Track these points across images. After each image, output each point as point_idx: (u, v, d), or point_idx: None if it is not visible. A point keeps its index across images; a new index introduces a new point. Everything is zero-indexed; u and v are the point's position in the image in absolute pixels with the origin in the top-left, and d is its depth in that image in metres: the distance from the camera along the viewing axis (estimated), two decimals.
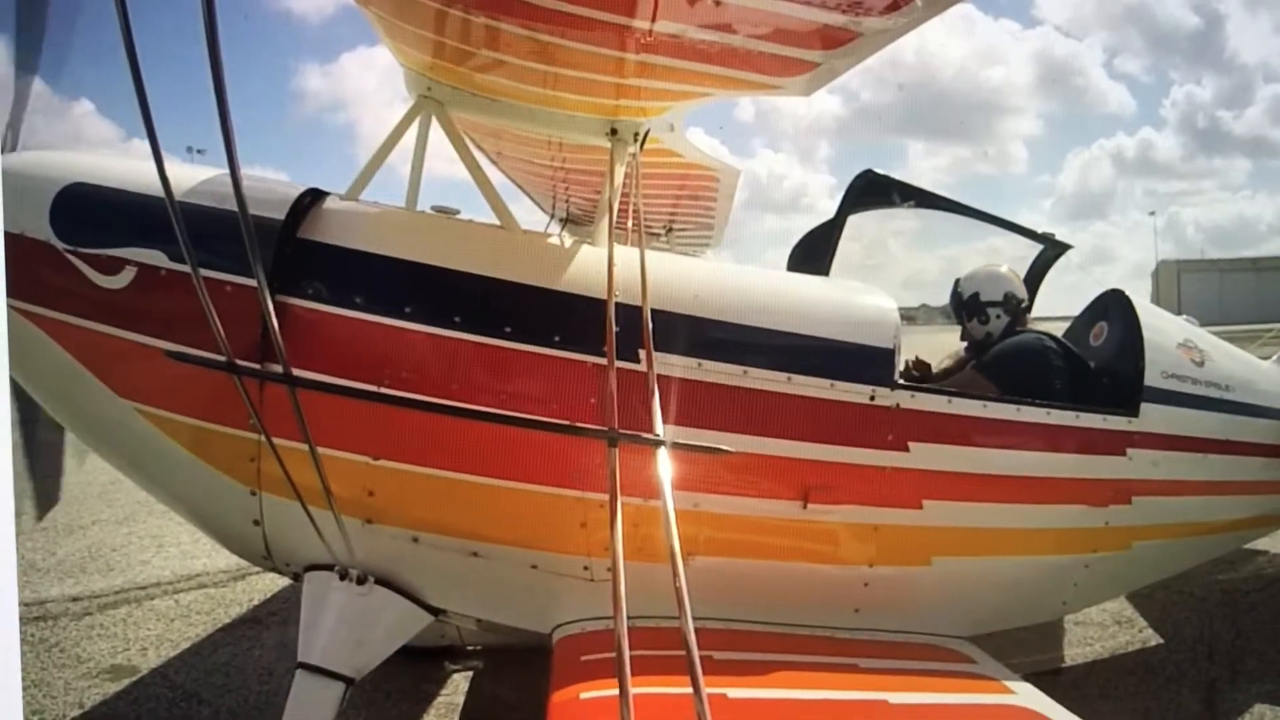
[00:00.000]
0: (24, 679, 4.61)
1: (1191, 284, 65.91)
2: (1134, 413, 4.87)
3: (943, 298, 5.62)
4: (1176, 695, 5.67)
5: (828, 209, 7.74)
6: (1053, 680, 5.57)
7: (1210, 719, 5.40)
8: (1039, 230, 5.99)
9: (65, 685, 5.52)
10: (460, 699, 5.51)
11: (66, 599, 7.10)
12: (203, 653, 6.15)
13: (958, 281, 5.51)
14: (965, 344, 5.62)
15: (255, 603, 7.07)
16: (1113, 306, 5.53)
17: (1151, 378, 4.96)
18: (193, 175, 3.85)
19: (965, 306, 5.42)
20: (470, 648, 5.75)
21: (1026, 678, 3.84)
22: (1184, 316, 6.15)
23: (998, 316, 5.34)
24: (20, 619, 6.07)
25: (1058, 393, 4.85)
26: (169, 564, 8.12)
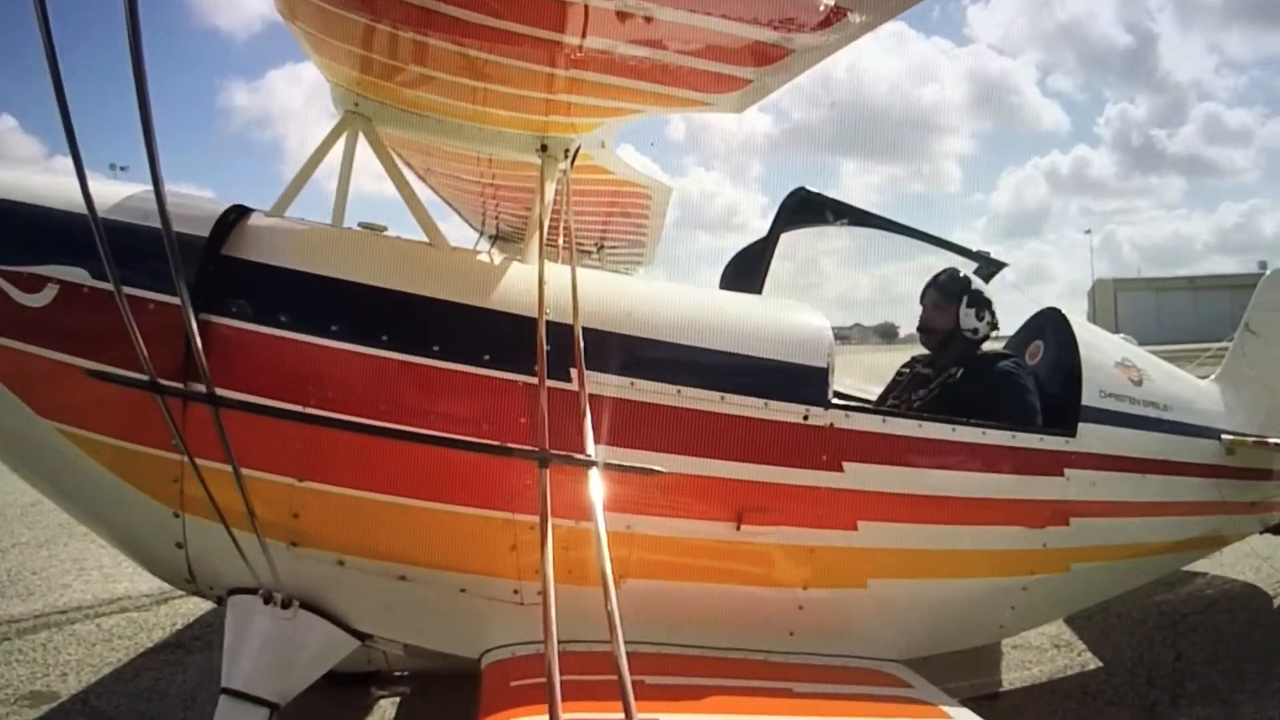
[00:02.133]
0: None
1: (1128, 302, 67.39)
2: (1072, 433, 4.91)
3: (876, 317, 5.65)
4: (1116, 719, 5.71)
5: (760, 227, 7.79)
6: (990, 705, 5.65)
7: None
8: (974, 249, 6.05)
9: None
10: None
11: None
12: (124, 678, 6.05)
13: (953, 270, 5.48)
14: (925, 346, 5.58)
15: (178, 627, 6.98)
16: (1049, 325, 5.60)
17: (1089, 397, 5.00)
18: (116, 192, 3.81)
19: (970, 295, 5.31)
20: (398, 673, 5.70)
21: (964, 703, 3.84)
22: (1121, 335, 6.26)
23: (988, 323, 5.33)
24: None
25: (1034, 415, 4.92)
26: (90, 588, 7.96)
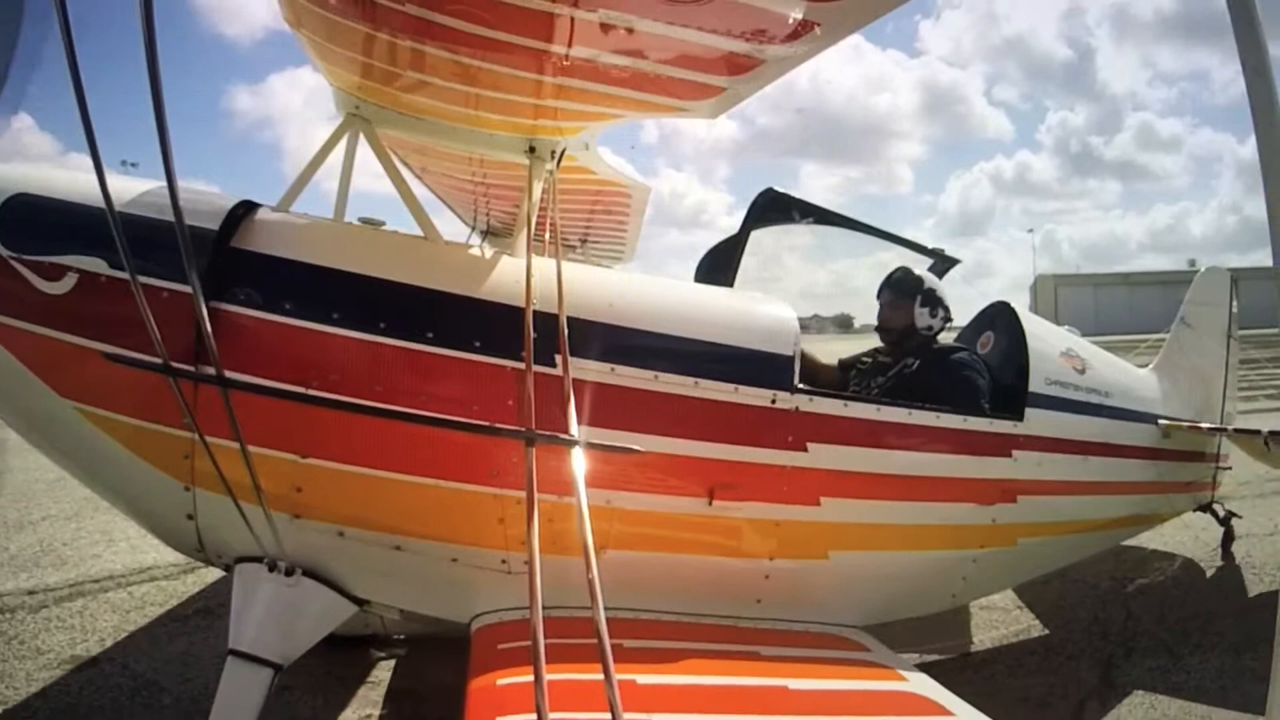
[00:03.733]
0: None
1: (1068, 297, 67.78)
2: (1019, 417, 5.12)
3: (833, 308, 5.80)
4: (1076, 671, 5.98)
5: (726, 225, 7.96)
6: (963, 661, 6.01)
7: (1108, 691, 5.68)
8: (929, 246, 6.25)
9: (27, 676, 5.55)
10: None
11: (22, 592, 7.12)
12: (160, 643, 6.18)
13: (906, 270, 5.66)
14: (884, 342, 5.77)
15: (206, 594, 7.10)
16: (999, 317, 5.81)
17: (1035, 384, 5.22)
18: (132, 187, 3.90)
19: (923, 294, 5.51)
20: (395, 636, 5.85)
21: (935, 664, 3.98)
22: (1066, 327, 6.49)
23: (941, 319, 5.54)
24: None
25: (982, 404, 5.11)
26: (119, 558, 8.14)
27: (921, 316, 5.51)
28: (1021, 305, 5.85)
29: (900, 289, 5.59)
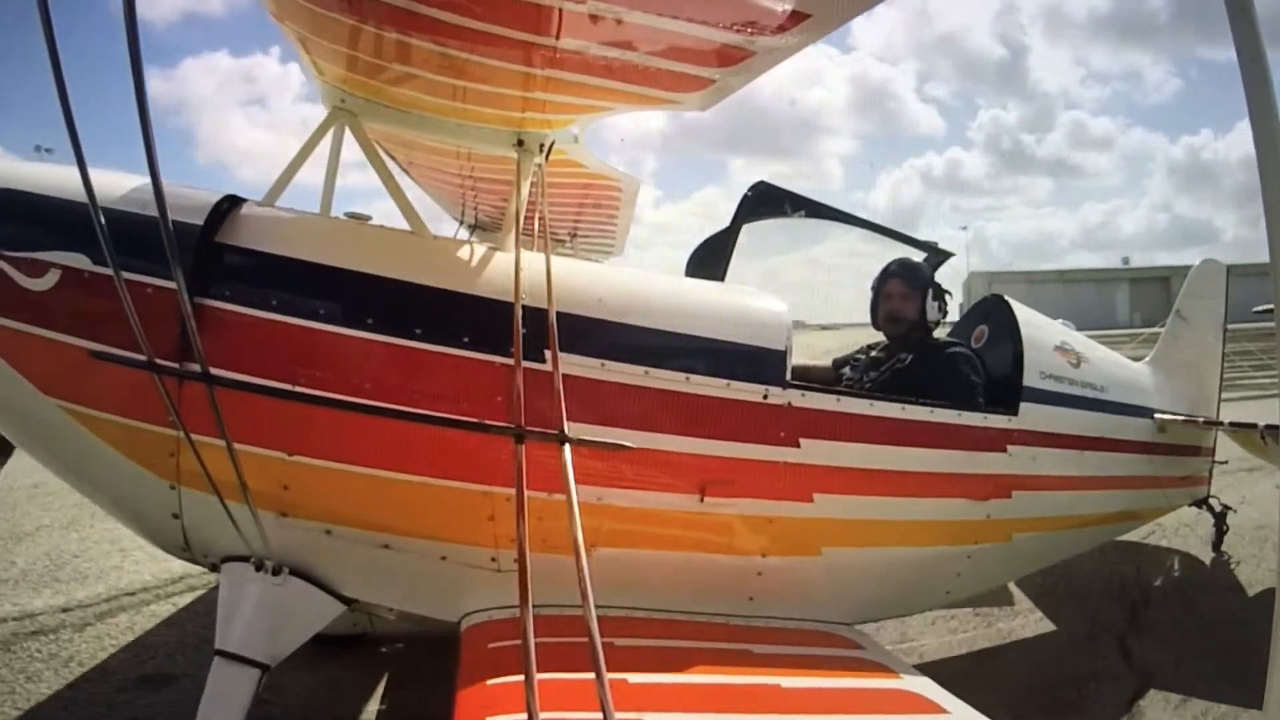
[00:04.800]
0: (52, 699, 4.34)
1: (1003, 293, 68.53)
2: (1013, 411, 5.09)
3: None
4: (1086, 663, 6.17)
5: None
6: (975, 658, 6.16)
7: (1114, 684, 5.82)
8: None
9: (107, 700, 5.32)
10: None
11: (55, 609, 6.73)
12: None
13: (913, 260, 5.65)
14: (889, 335, 5.70)
15: None
16: (993, 311, 5.78)
17: (1030, 378, 5.19)
18: (116, 182, 3.87)
19: (934, 287, 5.49)
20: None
21: (936, 663, 3.96)
22: (1060, 321, 6.49)
23: (944, 312, 5.53)
24: (15, 633, 5.85)
25: (976, 399, 5.08)
26: (141, 568, 7.75)
27: (931, 310, 5.48)
28: (956, 301, 5.83)
29: (914, 280, 5.54)
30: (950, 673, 5.46)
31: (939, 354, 5.37)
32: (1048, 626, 6.87)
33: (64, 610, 6.67)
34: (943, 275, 5.56)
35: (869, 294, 5.66)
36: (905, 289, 5.53)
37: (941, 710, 3.50)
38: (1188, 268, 7.61)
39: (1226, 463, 7.18)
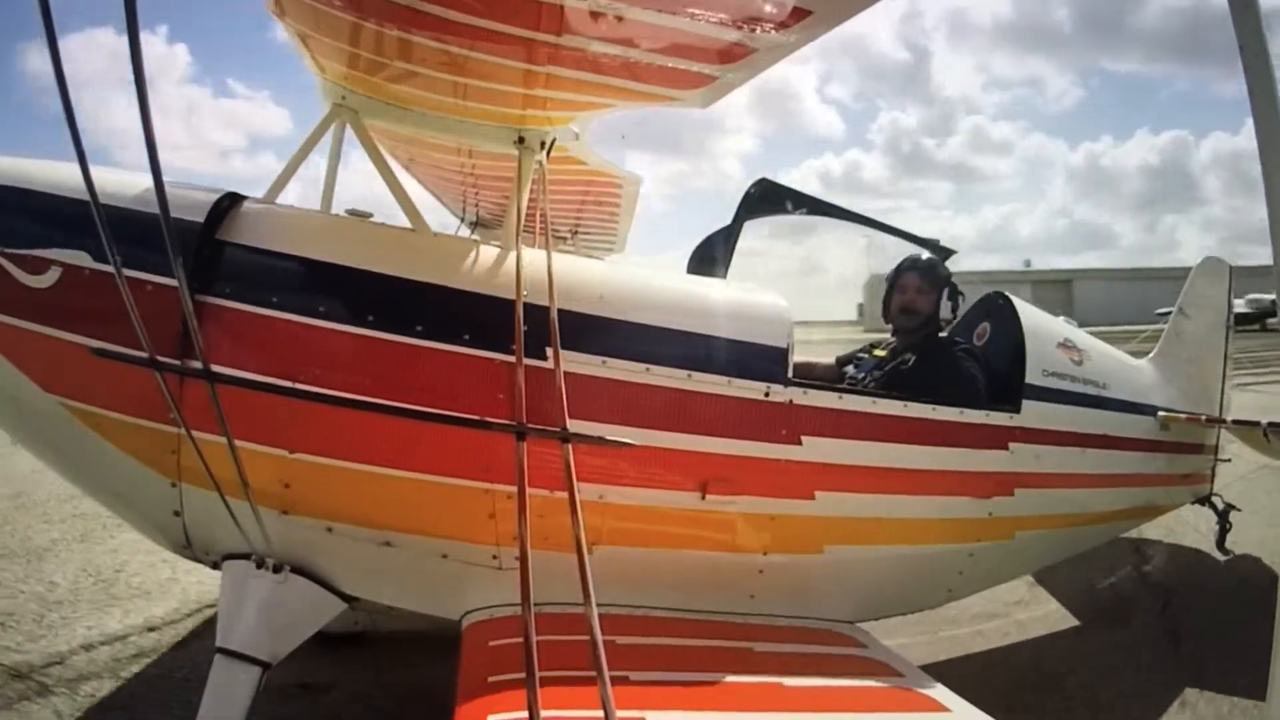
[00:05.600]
0: None
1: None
2: (1016, 409, 5.09)
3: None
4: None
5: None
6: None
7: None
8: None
9: (272, 714, 4.86)
10: None
11: (141, 629, 6.26)
12: (382, 667, 5.81)
13: (931, 258, 5.70)
14: (903, 328, 5.72)
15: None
16: (995, 309, 5.80)
17: (1032, 375, 5.18)
18: (116, 179, 3.86)
19: (950, 286, 5.52)
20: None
21: (938, 662, 3.95)
22: (1063, 318, 6.47)
23: (954, 310, 5.55)
24: (116, 656, 5.66)
25: (979, 398, 5.08)
26: (195, 578, 7.08)
27: (945, 309, 5.52)
28: (854, 304, 5.84)
29: (932, 276, 5.58)
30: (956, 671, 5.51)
31: (942, 352, 5.37)
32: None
33: (151, 629, 6.33)
34: (838, 276, 5.55)
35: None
36: (922, 284, 5.58)
37: (944, 709, 3.50)
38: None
39: (1230, 460, 7.18)
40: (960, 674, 5.55)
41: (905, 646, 5.65)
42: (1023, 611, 7.09)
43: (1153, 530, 7.68)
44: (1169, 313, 7.09)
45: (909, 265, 5.66)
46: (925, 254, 5.72)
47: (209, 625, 6.17)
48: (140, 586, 7.11)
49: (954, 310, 5.53)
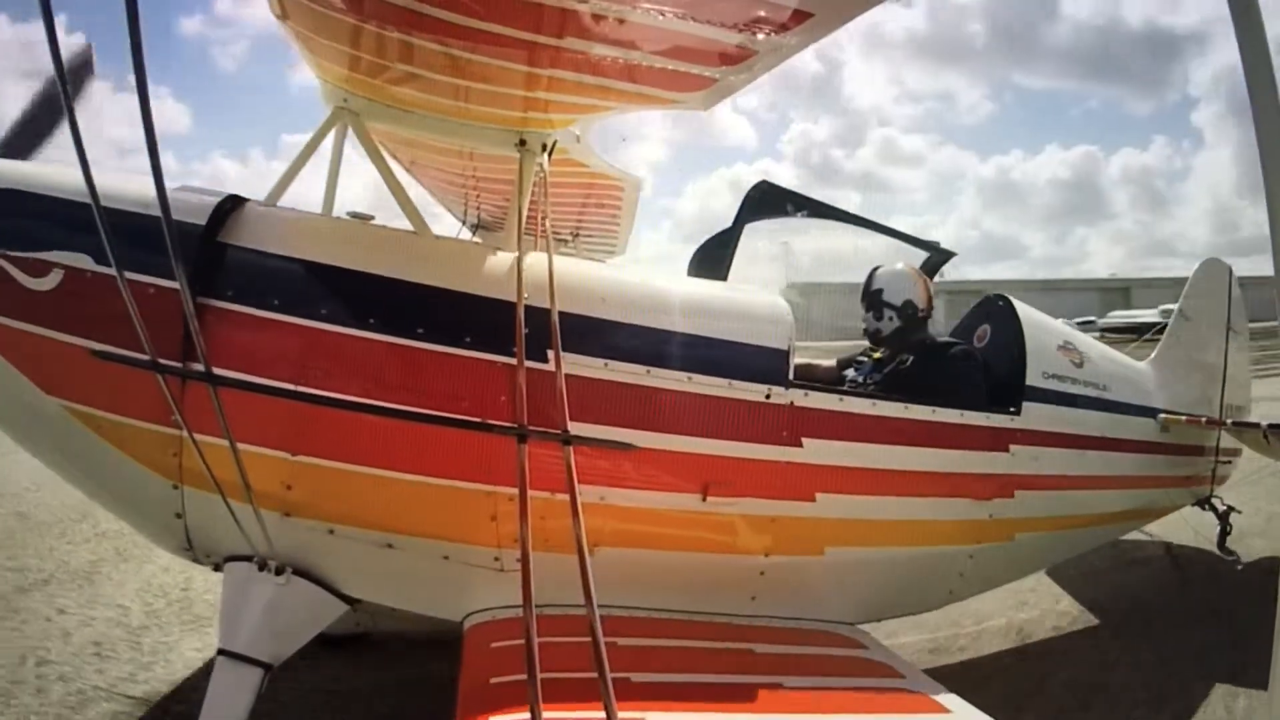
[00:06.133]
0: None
1: (817, 303, 69.36)
2: (1016, 411, 5.10)
3: None
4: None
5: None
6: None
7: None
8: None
9: None
10: None
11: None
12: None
13: (874, 270, 5.64)
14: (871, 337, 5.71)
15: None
16: (996, 311, 5.79)
17: (1033, 377, 5.21)
18: (118, 182, 3.85)
19: (867, 296, 5.55)
20: None
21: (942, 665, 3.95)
22: (1063, 320, 6.47)
23: (890, 319, 5.48)
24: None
25: (978, 399, 5.09)
26: None
27: (868, 321, 5.60)
28: None
29: (869, 300, 5.60)
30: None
31: (942, 354, 5.37)
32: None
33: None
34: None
35: None
36: (864, 314, 5.64)
37: (944, 710, 3.51)
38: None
39: (1231, 461, 7.18)
40: (961, 675, 5.58)
41: (905, 648, 5.70)
42: (1023, 612, 7.10)
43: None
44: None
45: (861, 295, 5.68)
46: (884, 268, 5.67)
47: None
48: (176, 609, 6.74)
49: (879, 319, 5.52)
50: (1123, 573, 7.82)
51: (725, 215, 5.76)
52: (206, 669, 5.38)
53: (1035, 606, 7.18)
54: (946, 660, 6.18)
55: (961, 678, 5.53)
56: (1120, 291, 62.03)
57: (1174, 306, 7.27)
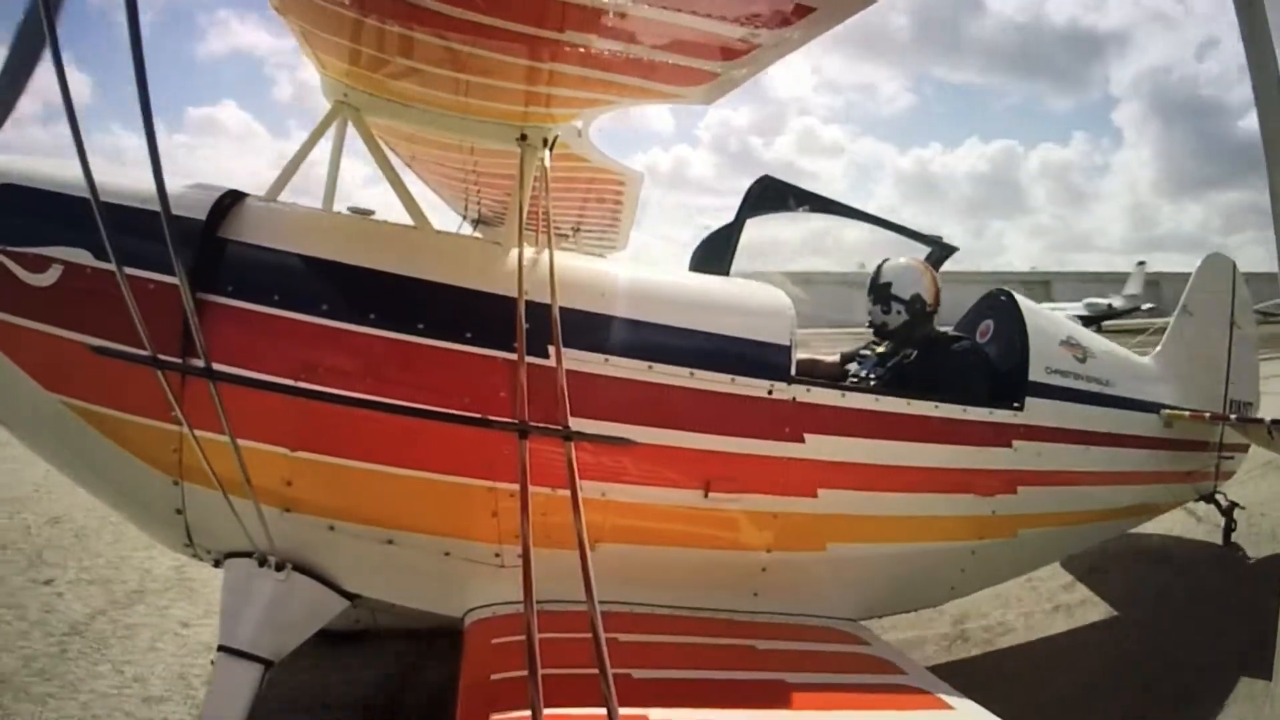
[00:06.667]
0: None
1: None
2: (1019, 406, 5.09)
3: None
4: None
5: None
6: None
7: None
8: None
9: None
10: None
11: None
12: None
13: (882, 263, 5.63)
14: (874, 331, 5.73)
15: None
16: (999, 306, 5.77)
17: (1036, 373, 5.20)
18: (118, 177, 3.85)
19: (875, 290, 5.54)
20: None
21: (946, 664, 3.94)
22: (1065, 314, 6.45)
23: (899, 312, 5.48)
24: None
25: (981, 395, 5.08)
26: None
27: (875, 314, 5.60)
28: None
29: (876, 292, 5.60)
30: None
31: (944, 349, 5.36)
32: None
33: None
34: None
35: None
36: (871, 306, 5.63)
37: (947, 706, 3.51)
38: None
39: (1234, 457, 7.17)
40: (963, 671, 5.58)
41: (907, 643, 5.69)
42: (1026, 606, 7.08)
43: (1154, 527, 7.66)
44: None
45: (869, 288, 5.67)
46: (891, 261, 5.65)
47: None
48: None
49: (886, 312, 5.53)
50: (1140, 564, 7.82)
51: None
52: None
53: (1037, 601, 7.17)
54: (949, 656, 6.18)
55: (964, 673, 5.54)
56: (1041, 285, 62.34)
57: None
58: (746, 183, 5.54)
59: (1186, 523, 8.35)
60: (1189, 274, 7.39)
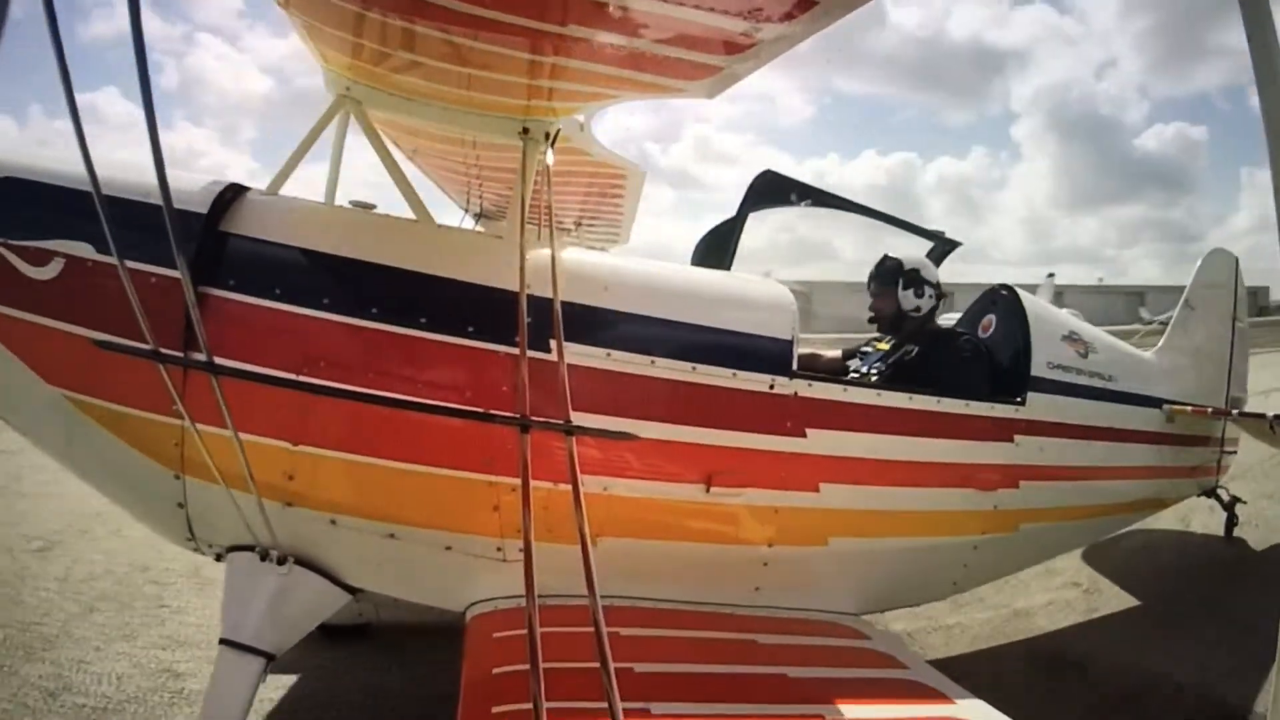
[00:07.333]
0: None
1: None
2: (1021, 401, 5.10)
3: None
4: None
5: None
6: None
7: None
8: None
9: None
10: None
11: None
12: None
13: (887, 256, 5.62)
14: (879, 330, 5.75)
15: None
16: (1001, 300, 5.77)
17: (1038, 368, 5.20)
18: (119, 170, 3.82)
19: (905, 275, 5.50)
20: None
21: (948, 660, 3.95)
22: (1069, 311, 6.46)
23: (930, 296, 5.50)
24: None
25: (983, 390, 5.09)
26: None
27: (906, 299, 5.51)
28: None
29: (884, 277, 5.59)
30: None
31: (945, 343, 5.37)
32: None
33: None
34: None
35: None
36: (879, 287, 5.62)
37: (945, 699, 3.51)
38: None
39: (1234, 453, 7.18)
40: (964, 665, 5.58)
41: (908, 637, 5.69)
42: (1023, 600, 7.11)
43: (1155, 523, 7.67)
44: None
45: (871, 275, 5.68)
46: (892, 256, 5.66)
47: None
48: None
49: (920, 295, 5.51)
50: (1141, 558, 7.83)
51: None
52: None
53: (1037, 595, 7.20)
54: (949, 650, 6.18)
55: (965, 667, 5.54)
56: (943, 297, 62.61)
57: None
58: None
59: (1189, 517, 8.36)
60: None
